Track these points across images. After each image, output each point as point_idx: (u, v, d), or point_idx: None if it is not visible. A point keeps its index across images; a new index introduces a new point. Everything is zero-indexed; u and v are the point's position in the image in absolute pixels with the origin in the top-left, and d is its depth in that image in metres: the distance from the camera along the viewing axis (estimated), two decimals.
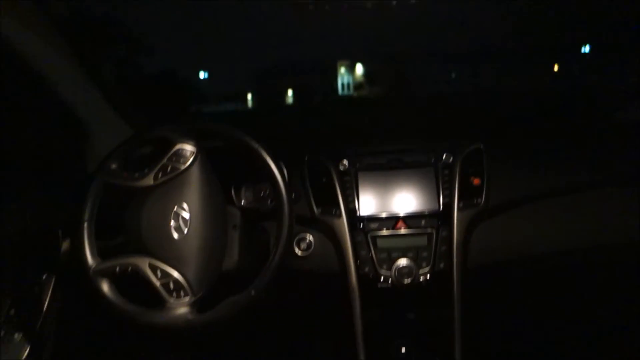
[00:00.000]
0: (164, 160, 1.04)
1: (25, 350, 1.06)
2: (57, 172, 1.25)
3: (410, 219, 1.23)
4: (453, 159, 1.25)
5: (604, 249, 1.26)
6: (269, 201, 1.15)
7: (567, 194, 1.26)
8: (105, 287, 1.00)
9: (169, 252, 1.00)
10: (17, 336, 1.09)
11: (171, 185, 1.03)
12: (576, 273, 1.38)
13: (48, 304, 1.13)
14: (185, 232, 1.01)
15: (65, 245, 1.14)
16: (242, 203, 1.26)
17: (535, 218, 1.25)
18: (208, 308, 1.00)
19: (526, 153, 1.30)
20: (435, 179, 1.24)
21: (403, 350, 1.15)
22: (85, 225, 1.02)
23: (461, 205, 1.22)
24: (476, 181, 1.24)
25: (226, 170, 1.13)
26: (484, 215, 1.23)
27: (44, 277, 1.16)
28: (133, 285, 1.00)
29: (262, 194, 1.27)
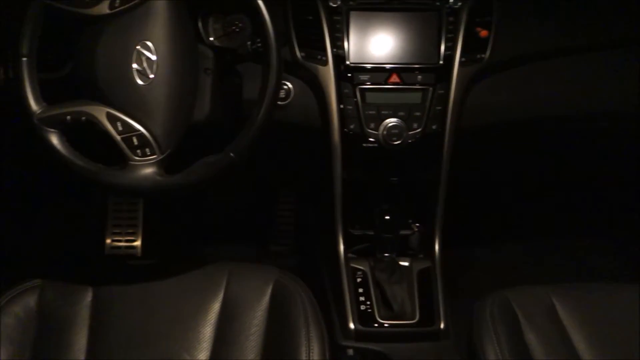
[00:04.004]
0: None
1: None
2: None
3: (405, 72, 1.09)
4: (461, 3, 1.08)
5: (607, 116, 1.19)
6: (249, 42, 0.98)
7: (576, 54, 1.15)
8: (54, 138, 0.84)
9: (131, 102, 0.84)
10: None
11: (132, 17, 0.84)
12: (574, 140, 1.33)
13: None
14: (151, 77, 0.84)
15: None
16: (211, 38, 1.08)
17: (537, 79, 1.15)
18: (177, 168, 0.88)
19: (538, 5, 1.15)
20: (438, 26, 1.09)
21: (387, 217, 1.09)
22: (25, 61, 0.83)
23: (463, 59, 1.08)
24: (483, 33, 1.09)
25: None
26: (486, 72, 1.11)
27: None
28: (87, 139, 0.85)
29: (234, 28, 1.08)
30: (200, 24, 1.06)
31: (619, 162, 1.45)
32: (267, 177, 1.61)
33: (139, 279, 0.99)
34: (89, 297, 0.96)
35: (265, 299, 0.95)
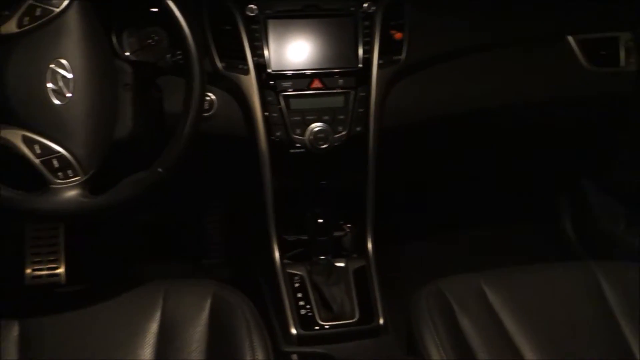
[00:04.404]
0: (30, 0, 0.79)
1: None
2: None
3: (326, 77, 1.10)
4: (375, 8, 1.11)
5: (526, 106, 1.26)
6: (168, 55, 0.96)
7: (491, 49, 1.21)
8: None
9: (48, 122, 0.80)
10: None
11: (43, 35, 0.80)
12: (496, 133, 1.39)
13: None
14: (68, 96, 0.81)
15: None
16: (127, 53, 1.05)
17: (455, 76, 1.20)
18: (103, 188, 0.85)
19: (450, 5, 1.20)
20: (354, 31, 1.11)
21: (320, 221, 1.10)
22: None
23: (381, 62, 1.11)
24: (398, 35, 1.13)
25: (102, 12, 0.91)
26: (404, 73, 1.14)
27: None
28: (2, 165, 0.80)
29: (150, 41, 1.06)
30: (114, 39, 1.03)
31: (537, 151, 1.54)
32: (194, 190, 1.58)
33: (69, 307, 0.94)
34: (15, 331, 0.90)
35: (205, 314, 0.93)
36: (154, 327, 0.92)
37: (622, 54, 1.28)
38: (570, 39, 1.25)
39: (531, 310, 0.95)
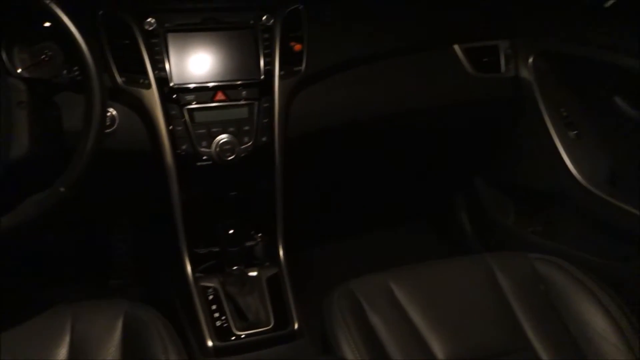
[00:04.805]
0: None
1: None
2: None
3: (230, 89, 1.11)
4: (273, 20, 1.14)
5: (420, 111, 1.33)
6: (64, 71, 0.93)
7: (385, 58, 1.27)
8: None
9: None
10: None
11: None
12: (395, 137, 1.45)
13: None
14: None
15: None
16: (20, 70, 1.01)
17: (354, 85, 1.25)
18: (1, 211, 0.81)
19: (349, 13, 1.25)
20: (255, 43, 1.13)
21: (231, 231, 1.10)
22: None
23: (282, 73, 1.14)
24: (297, 47, 1.16)
25: None
26: (305, 83, 1.18)
27: None
28: None
29: (43, 57, 1.03)
30: (5, 55, 0.99)
31: (434, 154, 1.63)
32: (97, 208, 1.53)
33: None
34: None
35: (117, 334, 0.91)
36: (62, 352, 0.89)
37: (502, 61, 1.39)
38: (456, 47, 1.35)
39: (435, 302, 1.01)
